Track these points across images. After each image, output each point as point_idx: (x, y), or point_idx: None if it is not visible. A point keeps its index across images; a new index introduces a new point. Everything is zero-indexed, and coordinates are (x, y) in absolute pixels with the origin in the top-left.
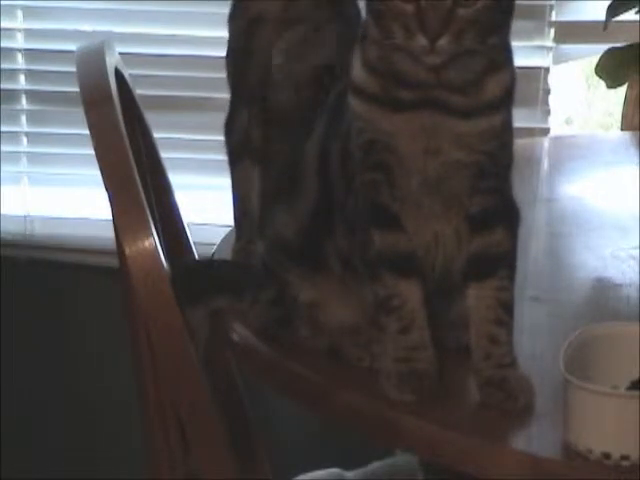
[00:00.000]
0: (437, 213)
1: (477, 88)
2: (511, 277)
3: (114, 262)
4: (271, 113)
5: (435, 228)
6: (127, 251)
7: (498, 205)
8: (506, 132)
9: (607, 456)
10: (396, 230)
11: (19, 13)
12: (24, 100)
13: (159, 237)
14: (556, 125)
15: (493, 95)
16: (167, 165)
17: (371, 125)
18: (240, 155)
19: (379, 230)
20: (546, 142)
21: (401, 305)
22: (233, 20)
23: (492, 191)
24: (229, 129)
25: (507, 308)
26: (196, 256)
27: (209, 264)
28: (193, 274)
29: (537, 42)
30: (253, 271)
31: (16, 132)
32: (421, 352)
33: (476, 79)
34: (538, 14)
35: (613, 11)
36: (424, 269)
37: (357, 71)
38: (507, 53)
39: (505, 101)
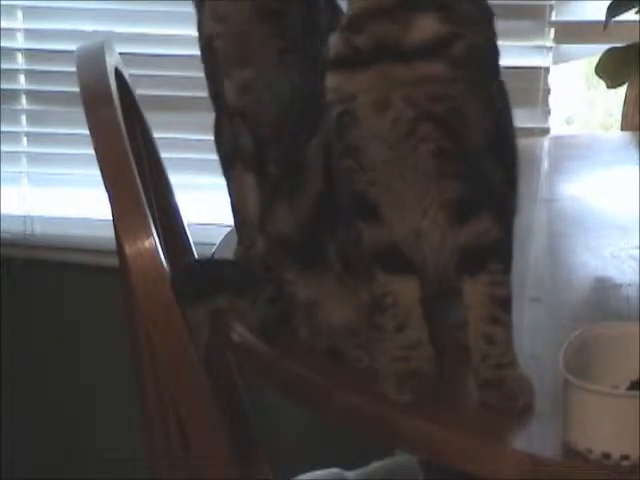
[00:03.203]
0: (412, 200)
1: (405, 27)
2: (505, 271)
3: (114, 262)
4: (258, 128)
5: (414, 217)
6: (127, 251)
7: (477, 192)
8: (467, 101)
9: (607, 456)
10: (378, 221)
11: (19, 13)
12: (24, 100)
13: (159, 237)
14: (556, 125)
15: (422, 38)
16: (167, 165)
17: (338, 93)
18: (231, 162)
19: (364, 222)
20: (546, 142)
21: (394, 303)
22: (198, 32)
23: (463, 177)
24: (218, 137)
25: (503, 304)
26: (196, 256)
27: (209, 264)
28: (193, 273)
29: (537, 42)
30: (253, 270)
31: (16, 132)
32: (418, 350)
33: (404, 17)
34: (538, 14)
35: (613, 11)
36: (414, 267)
37: (332, 43)
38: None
39: (442, 52)
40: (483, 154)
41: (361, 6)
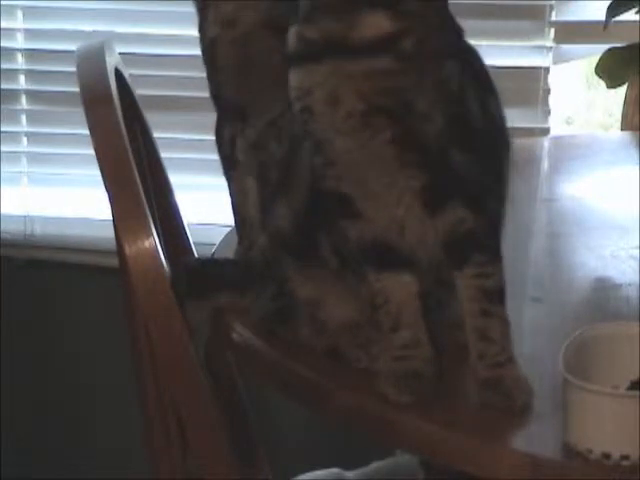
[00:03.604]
0: (382, 190)
1: (352, 24)
2: (493, 262)
3: (114, 262)
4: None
5: (389, 207)
6: (127, 251)
7: (442, 182)
8: (415, 94)
9: (607, 456)
10: (358, 216)
11: (19, 13)
12: (24, 100)
13: (159, 237)
14: (556, 125)
15: (370, 35)
16: (167, 165)
17: (297, 90)
18: (232, 164)
19: (345, 220)
20: (546, 142)
21: (386, 301)
22: (200, 33)
23: (424, 166)
24: (219, 138)
25: (493, 297)
26: (196, 256)
27: (210, 262)
28: (194, 272)
29: (537, 42)
30: (254, 268)
31: (16, 132)
32: (415, 350)
33: (351, 14)
34: (538, 14)
35: (613, 11)
36: (405, 260)
37: (289, 38)
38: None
39: (390, 48)
40: (445, 141)
41: (311, 2)
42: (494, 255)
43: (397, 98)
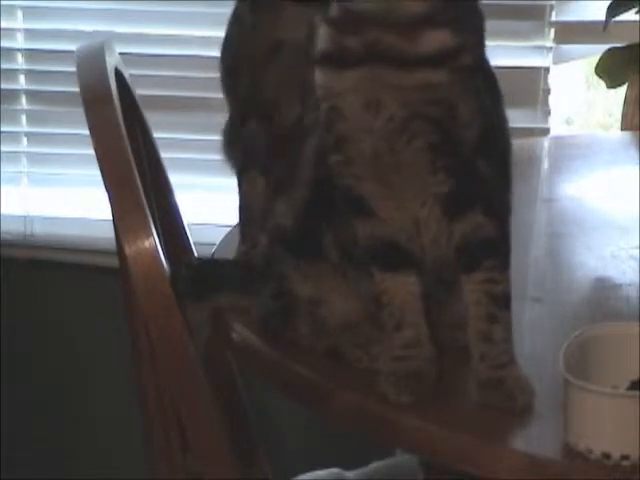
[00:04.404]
0: (404, 194)
1: (412, 39)
2: (502, 268)
3: (114, 262)
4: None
5: (410, 212)
6: (127, 251)
7: (468, 188)
8: (460, 103)
9: (607, 456)
10: (370, 216)
11: (19, 13)
12: (24, 100)
13: (159, 237)
14: (556, 125)
15: (428, 50)
16: (167, 165)
17: (325, 90)
18: (247, 166)
19: (356, 218)
20: (546, 142)
21: (390, 301)
22: (260, 30)
23: (455, 172)
24: (231, 139)
25: (500, 303)
26: (196, 256)
27: (210, 263)
28: (194, 273)
29: (537, 42)
30: (255, 268)
31: (16, 132)
32: (417, 350)
33: (413, 29)
34: (538, 14)
35: (613, 11)
36: (413, 261)
37: (319, 39)
38: (455, 17)
39: (449, 63)
40: (475, 150)
41: (366, 9)
42: (504, 262)
43: (444, 107)
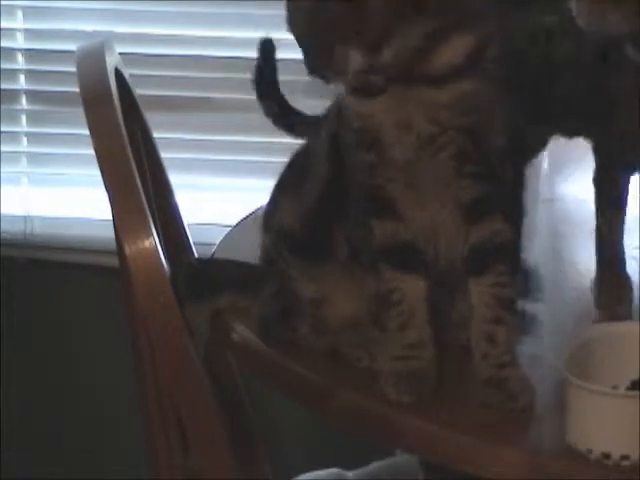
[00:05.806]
0: (430, 197)
1: (434, 53)
2: (511, 273)
3: (114, 262)
4: None
5: (431, 215)
6: (127, 251)
7: (491, 194)
8: (486, 111)
9: (607, 456)
10: (394, 217)
11: (19, 13)
12: (24, 100)
13: (159, 237)
14: None
15: (452, 59)
16: (167, 165)
17: (355, 113)
18: None
19: (378, 219)
20: None
21: (401, 300)
22: None
23: (481, 178)
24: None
25: (506, 306)
26: (196, 256)
27: (211, 263)
28: (194, 273)
29: None
30: (256, 268)
31: (16, 132)
32: (419, 350)
33: (425, 44)
34: None
35: None
36: (426, 262)
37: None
38: (475, 16)
39: (474, 66)
40: (500, 155)
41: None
42: (514, 267)
43: (477, 115)
